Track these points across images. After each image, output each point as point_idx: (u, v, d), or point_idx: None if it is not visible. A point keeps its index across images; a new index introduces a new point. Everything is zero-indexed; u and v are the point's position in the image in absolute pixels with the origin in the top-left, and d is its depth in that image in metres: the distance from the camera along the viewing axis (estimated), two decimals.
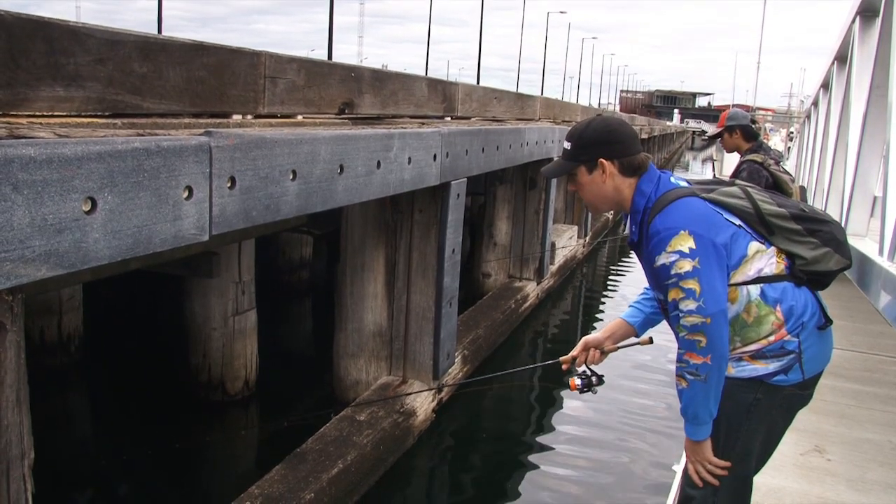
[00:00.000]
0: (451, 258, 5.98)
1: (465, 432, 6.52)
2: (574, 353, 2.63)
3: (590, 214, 14.62)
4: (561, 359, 2.68)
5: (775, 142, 41.69)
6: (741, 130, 4.83)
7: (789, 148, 28.42)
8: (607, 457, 5.94)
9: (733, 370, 2.21)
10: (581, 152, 2.28)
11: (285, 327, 9.48)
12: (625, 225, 2.42)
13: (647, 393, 7.34)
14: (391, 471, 5.35)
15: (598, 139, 2.26)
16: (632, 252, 2.52)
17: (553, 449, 6.08)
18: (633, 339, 2.64)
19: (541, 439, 6.31)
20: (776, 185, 4.47)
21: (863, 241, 4.79)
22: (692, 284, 2.06)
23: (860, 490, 3.56)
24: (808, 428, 4.20)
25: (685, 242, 2.08)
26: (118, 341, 7.83)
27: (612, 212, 19.32)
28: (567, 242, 12.42)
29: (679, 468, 2.45)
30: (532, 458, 5.90)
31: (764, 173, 4.51)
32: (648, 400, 7.20)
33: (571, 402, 7.10)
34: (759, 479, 3.35)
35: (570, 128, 2.41)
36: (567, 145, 2.32)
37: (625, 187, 2.27)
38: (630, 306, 2.66)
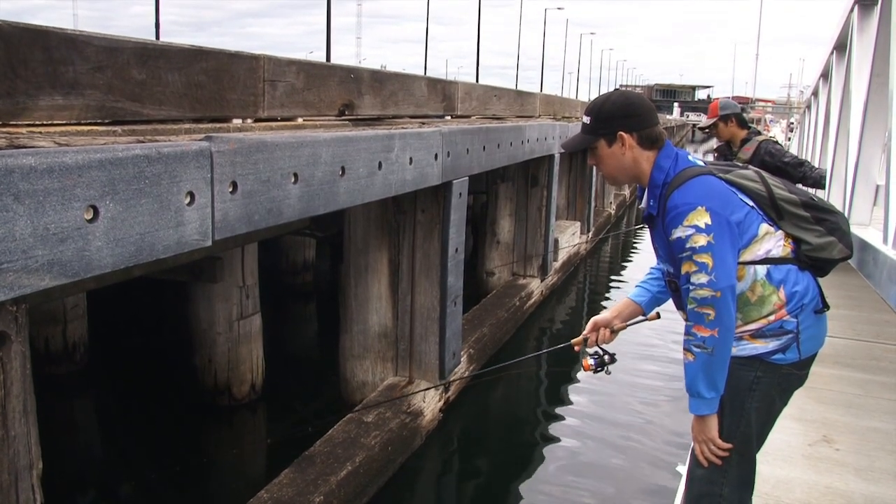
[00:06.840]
0: (455, 257, 5.98)
1: (472, 431, 6.52)
2: (584, 333, 2.68)
3: (592, 211, 14.61)
4: (572, 341, 2.73)
5: (775, 133, 41.65)
6: (736, 118, 5.01)
7: (790, 139, 28.35)
8: (616, 449, 5.93)
9: (734, 349, 2.25)
10: (601, 126, 2.32)
11: (290, 330, 9.48)
12: (640, 199, 2.46)
13: (655, 378, 7.33)
14: (400, 472, 5.35)
15: (617, 112, 2.31)
16: (642, 229, 2.56)
17: (562, 444, 6.07)
18: (641, 317, 2.68)
19: (549, 434, 6.30)
20: (792, 165, 4.83)
21: (866, 230, 4.77)
22: (705, 259, 2.13)
23: (869, 479, 3.55)
24: (816, 418, 4.19)
25: (702, 218, 2.14)
26: (123, 348, 7.85)
27: (614, 209, 19.34)
28: (570, 239, 12.41)
29: (684, 468, 2.46)
30: (541, 454, 5.89)
31: (784, 150, 4.84)
32: (657, 385, 7.20)
33: (578, 394, 7.10)
34: (767, 470, 3.34)
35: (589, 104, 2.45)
36: (586, 119, 2.36)
37: (643, 160, 2.32)
38: (637, 286, 2.71)
